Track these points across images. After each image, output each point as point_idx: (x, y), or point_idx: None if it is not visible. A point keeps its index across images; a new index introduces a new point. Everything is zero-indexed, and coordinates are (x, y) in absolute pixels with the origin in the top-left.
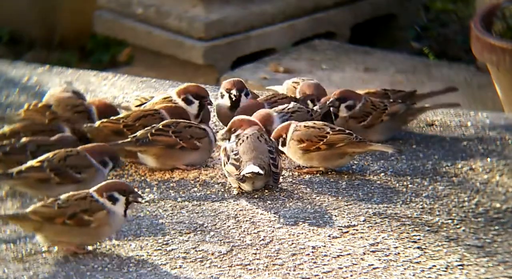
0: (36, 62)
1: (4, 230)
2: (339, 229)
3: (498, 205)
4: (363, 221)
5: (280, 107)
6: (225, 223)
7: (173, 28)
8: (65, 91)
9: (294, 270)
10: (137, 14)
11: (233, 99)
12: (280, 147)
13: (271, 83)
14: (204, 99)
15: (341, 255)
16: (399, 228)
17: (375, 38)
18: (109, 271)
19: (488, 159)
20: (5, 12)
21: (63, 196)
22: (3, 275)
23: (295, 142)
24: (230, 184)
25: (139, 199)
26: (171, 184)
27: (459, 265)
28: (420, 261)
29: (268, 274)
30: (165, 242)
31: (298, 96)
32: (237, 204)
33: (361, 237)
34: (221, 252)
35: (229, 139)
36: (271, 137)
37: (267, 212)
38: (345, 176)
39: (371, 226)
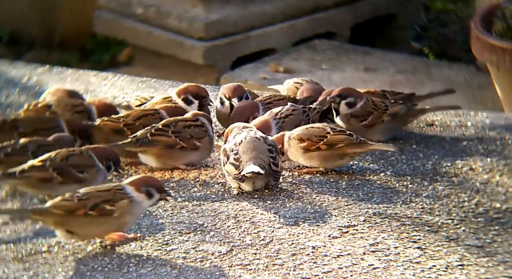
0: (36, 62)
1: (4, 230)
2: (339, 229)
3: (498, 205)
4: (363, 221)
5: (274, 111)
6: (225, 223)
7: (173, 28)
8: (64, 90)
9: (294, 270)
10: (137, 14)
11: (234, 107)
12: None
13: (271, 83)
14: (204, 99)
15: (341, 255)
16: (399, 228)
17: (375, 38)
18: (109, 271)
19: (488, 159)
20: (5, 12)
21: (82, 190)
22: (3, 275)
23: (296, 141)
24: (230, 184)
25: (169, 198)
26: (171, 184)
27: (459, 265)
28: (420, 261)
29: (268, 274)
30: (165, 242)
31: (298, 98)
32: (237, 204)
33: (361, 237)
34: (221, 252)
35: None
36: None
37: (267, 212)
38: (345, 176)
39: (371, 226)
